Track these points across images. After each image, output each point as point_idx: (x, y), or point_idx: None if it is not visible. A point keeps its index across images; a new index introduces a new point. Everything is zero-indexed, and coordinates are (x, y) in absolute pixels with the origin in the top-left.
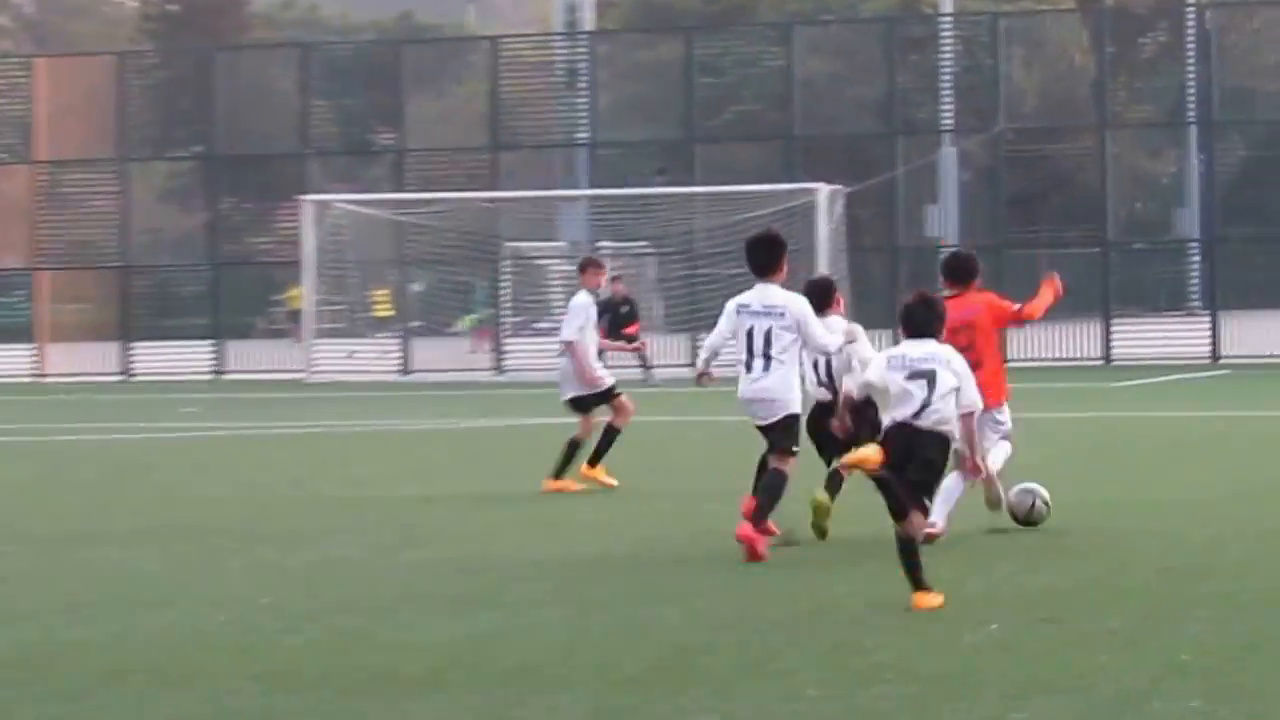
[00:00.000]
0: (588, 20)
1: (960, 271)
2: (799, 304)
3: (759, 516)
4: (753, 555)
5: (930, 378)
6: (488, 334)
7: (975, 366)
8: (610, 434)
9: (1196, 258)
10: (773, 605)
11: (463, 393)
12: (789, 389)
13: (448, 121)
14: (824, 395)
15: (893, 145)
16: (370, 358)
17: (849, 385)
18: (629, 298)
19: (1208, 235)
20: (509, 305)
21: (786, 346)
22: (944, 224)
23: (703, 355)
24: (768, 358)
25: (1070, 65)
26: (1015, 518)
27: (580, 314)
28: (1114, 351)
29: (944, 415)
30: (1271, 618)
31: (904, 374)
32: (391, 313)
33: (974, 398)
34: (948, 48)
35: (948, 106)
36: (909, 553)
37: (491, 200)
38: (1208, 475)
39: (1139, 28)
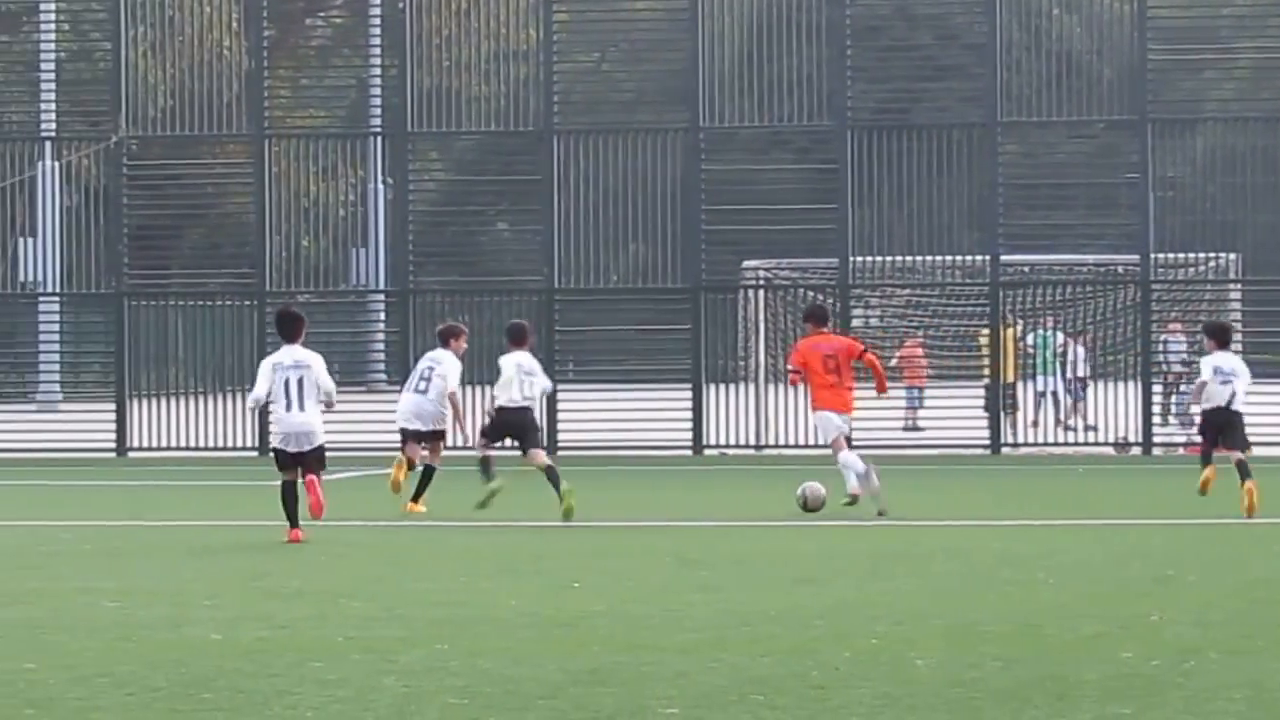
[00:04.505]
0: None
1: None
2: None
3: None
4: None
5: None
6: None
7: None
8: None
9: (381, 315)
10: None
11: None
12: None
13: None
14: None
15: None
16: None
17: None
18: None
19: (400, 285)
20: None
21: None
22: (41, 264)
23: None
24: None
25: (216, 52)
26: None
27: None
28: None
29: None
30: None
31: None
32: None
33: None
34: (49, 23)
35: (49, 104)
36: None
37: None
38: None
39: (307, 5)
